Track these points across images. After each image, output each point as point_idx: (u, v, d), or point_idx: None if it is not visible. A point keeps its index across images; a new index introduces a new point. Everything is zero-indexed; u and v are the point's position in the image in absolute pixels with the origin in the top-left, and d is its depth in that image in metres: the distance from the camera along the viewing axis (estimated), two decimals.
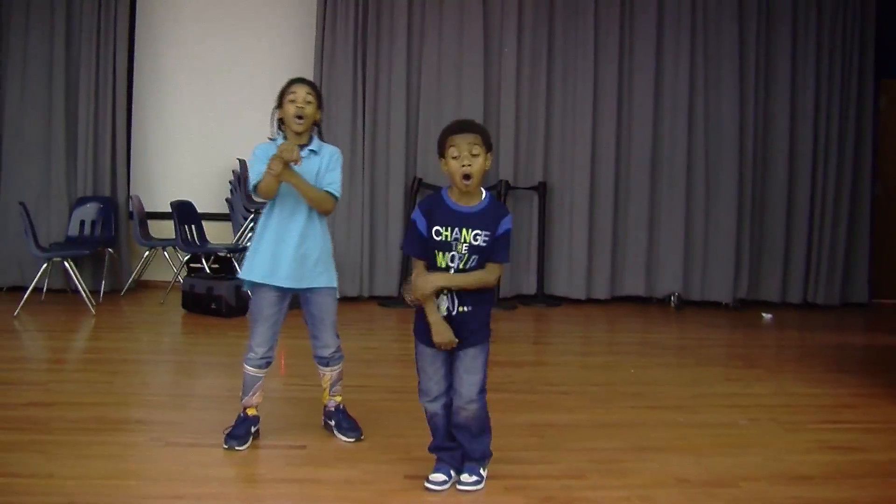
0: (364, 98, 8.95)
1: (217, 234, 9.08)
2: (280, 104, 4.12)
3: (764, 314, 8.84)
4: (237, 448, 4.11)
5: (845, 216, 9.42)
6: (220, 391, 5.32)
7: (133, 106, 9.36)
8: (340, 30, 8.90)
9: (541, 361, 6.86)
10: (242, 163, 9.07)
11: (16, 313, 7.56)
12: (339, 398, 4.36)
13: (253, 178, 4.03)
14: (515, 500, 3.55)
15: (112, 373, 5.71)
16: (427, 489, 3.59)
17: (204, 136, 9.45)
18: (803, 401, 5.38)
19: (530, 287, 9.31)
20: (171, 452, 4.07)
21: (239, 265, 8.61)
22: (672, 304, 9.19)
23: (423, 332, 3.56)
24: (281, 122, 4.16)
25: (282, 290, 4.13)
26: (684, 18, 9.19)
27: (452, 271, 3.45)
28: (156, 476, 3.77)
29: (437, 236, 3.45)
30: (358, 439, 4.26)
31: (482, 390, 3.56)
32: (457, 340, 3.46)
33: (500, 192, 8.87)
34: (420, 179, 8.88)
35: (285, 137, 4.12)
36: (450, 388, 3.59)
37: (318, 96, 4.13)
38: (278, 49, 9.40)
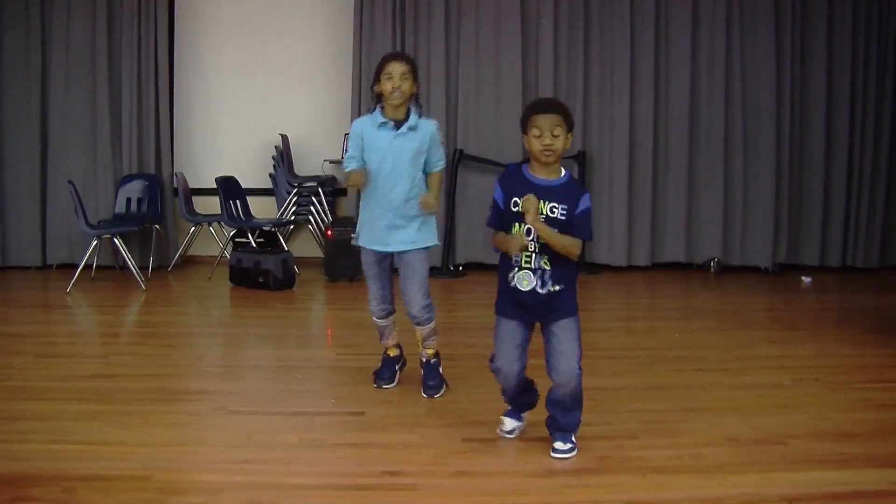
0: None
1: (262, 208, 9.17)
2: (377, 79, 4.27)
3: (803, 278, 8.84)
4: (385, 387, 4.68)
5: (884, 178, 9.33)
6: (273, 361, 5.55)
7: (175, 84, 9.45)
8: (378, 7, 8.95)
9: (586, 328, 6.83)
10: (285, 138, 9.18)
11: (68, 290, 7.72)
12: (431, 350, 4.58)
13: (346, 162, 4.41)
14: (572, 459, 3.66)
15: (167, 346, 5.89)
16: (501, 436, 3.86)
17: (246, 112, 9.53)
18: (846, 361, 5.45)
19: None
20: (235, 420, 4.21)
21: (284, 239, 8.79)
22: (712, 270, 9.23)
23: (504, 305, 3.66)
24: (379, 96, 4.31)
25: (379, 253, 4.43)
26: None
27: (531, 244, 3.51)
28: (222, 443, 3.91)
29: (514, 207, 3.51)
30: (432, 397, 4.52)
31: (579, 365, 3.62)
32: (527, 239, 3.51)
33: None
34: (461, 151, 8.94)
35: (383, 110, 4.29)
36: (523, 368, 3.69)
37: (414, 71, 4.30)
38: (319, 26, 9.48)
